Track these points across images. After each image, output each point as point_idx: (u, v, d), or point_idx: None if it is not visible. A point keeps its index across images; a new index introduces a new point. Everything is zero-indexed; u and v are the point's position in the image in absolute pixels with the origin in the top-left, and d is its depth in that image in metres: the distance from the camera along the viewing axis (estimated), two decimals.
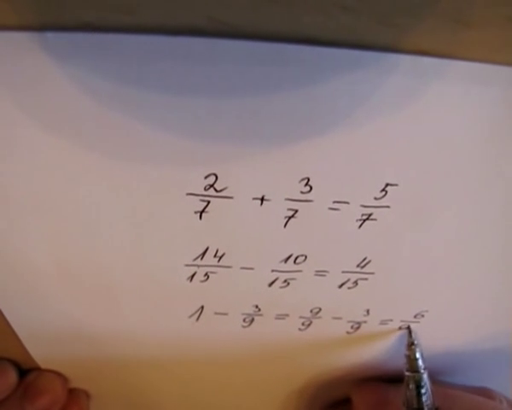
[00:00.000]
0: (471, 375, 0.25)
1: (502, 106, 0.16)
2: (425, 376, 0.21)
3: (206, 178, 0.17)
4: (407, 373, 0.21)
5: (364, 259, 0.20)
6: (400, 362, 0.22)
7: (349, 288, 0.21)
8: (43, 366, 0.24)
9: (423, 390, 0.21)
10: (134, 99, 0.15)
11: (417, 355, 0.21)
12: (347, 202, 0.18)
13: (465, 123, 0.16)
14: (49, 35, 0.14)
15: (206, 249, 0.19)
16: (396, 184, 0.17)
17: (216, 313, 0.22)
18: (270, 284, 0.20)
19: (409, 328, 0.22)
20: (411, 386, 0.21)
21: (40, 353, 0.23)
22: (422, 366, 0.21)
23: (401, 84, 0.15)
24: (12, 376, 0.23)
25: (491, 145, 0.17)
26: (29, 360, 0.23)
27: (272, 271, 0.20)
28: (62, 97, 0.15)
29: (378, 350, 0.23)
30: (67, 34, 0.14)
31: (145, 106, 0.15)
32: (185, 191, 0.17)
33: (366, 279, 0.20)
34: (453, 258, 0.20)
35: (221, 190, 0.17)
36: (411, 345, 0.21)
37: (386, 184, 0.17)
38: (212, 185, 0.17)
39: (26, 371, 0.24)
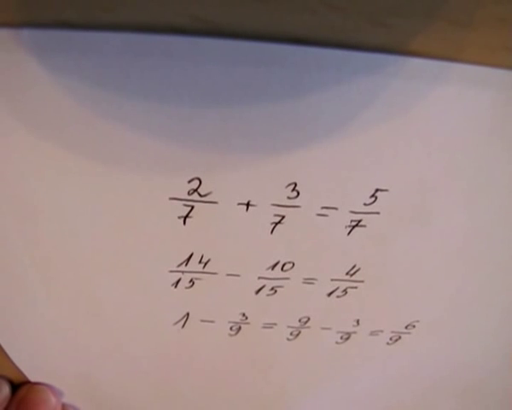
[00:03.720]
0: (462, 387, 0.25)
1: (497, 109, 0.15)
2: None
3: (189, 182, 0.16)
4: None
5: (354, 266, 0.19)
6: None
7: (338, 296, 0.20)
8: (32, 379, 0.23)
9: None
10: (114, 100, 0.15)
11: None
12: (336, 208, 0.17)
13: (459, 127, 0.16)
14: (26, 32, 0.13)
15: (191, 255, 0.18)
16: (386, 190, 0.17)
17: (202, 321, 0.21)
18: (257, 292, 0.20)
19: None
20: None
21: (28, 366, 0.23)
22: None
23: (392, 87, 0.15)
24: (5, 390, 0.23)
25: (486, 149, 0.16)
26: (19, 374, 0.23)
27: (259, 278, 0.19)
28: (39, 97, 0.14)
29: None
30: (44, 32, 0.14)
31: (126, 107, 0.15)
32: (168, 196, 0.17)
33: (356, 288, 0.20)
34: (446, 266, 0.19)
35: (205, 195, 0.17)
36: None
37: (376, 190, 0.17)
38: (195, 190, 0.16)
39: (17, 385, 0.24)
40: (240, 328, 0.21)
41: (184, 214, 0.17)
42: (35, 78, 0.14)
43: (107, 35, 0.14)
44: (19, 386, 0.23)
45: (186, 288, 0.20)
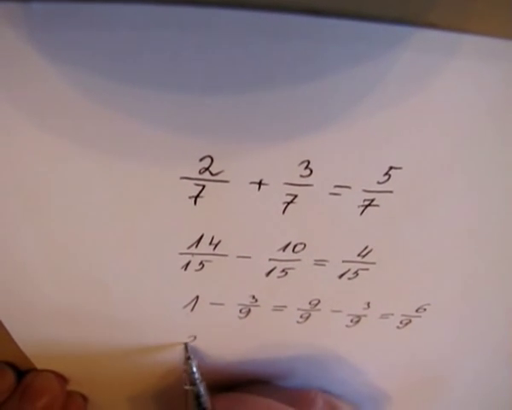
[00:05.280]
0: (470, 370, 0.25)
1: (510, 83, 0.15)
2: (201, 388, 0.22)
3: (201, 160, 0.16)
4: (186, 387, 0.22)
5: (366, 247, 0.19)
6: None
7: (349, 279, 0.20)
8: (39, 366, 0.23)
9: (202, 401, 0.21)
10: (126, 76, 0.14)
11: (194, 369, 0.22)
12: (349, 187, 0.17)
13: (473, 103, 0.15)
14: (35, 6, 0.13)
15: (201, 237, 0.18)
16: (400, 168, 0.17)
17: (211, 304, 0.21)
18: (268, 274, 0.20)
19: (185, 345, 0.23)
20: (191, 399, 0.22)
21: (35, 352, 0.23)
22: (199, 379, 0.22)
23: (409, 60, 0.14)
24: (10, 377, 0.23)
25: (499, 125, 0.16)
26: (26, 361, 0.23)
27: (270, 260, 0.19)
28: (48, 76, 0.14)
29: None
30: (55, 4, 0.13)
31: (137, 82, 0.14)
32: (179, 175, 0.16)
33: (367, 270, 0.20)
34: (458, 248, 0.19)
35: (217, 174, 0.16)
36: (188, 360, 0.22)
37: (390, 168, 0.17)
38: (207, 168, 0.16)
39: (23, 372, 0.23)
40: (249, 310, 0.21)
41: (195, 194, 0.17)
42: (42, 55, 0.14)
43: (119, 7, 0.13)
44: (26, 373, 0.23)
45: (196, 270, 0.19)
